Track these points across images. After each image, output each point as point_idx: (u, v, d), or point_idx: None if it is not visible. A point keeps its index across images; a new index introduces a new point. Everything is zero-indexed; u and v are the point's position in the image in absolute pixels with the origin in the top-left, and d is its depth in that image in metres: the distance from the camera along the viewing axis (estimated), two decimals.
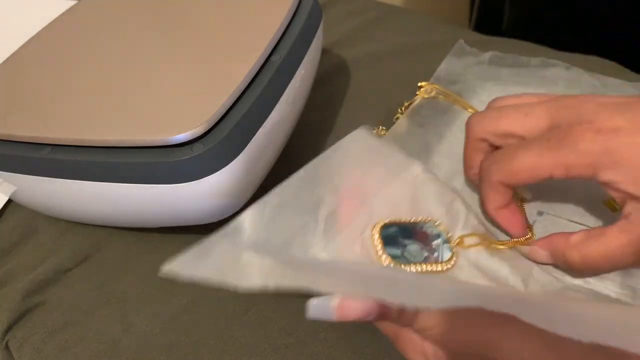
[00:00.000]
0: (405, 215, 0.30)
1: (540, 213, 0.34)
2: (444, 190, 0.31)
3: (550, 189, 0.34)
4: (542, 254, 0.29)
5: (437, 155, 0.38)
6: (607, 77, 0.41)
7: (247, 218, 0.26)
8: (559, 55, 0.45)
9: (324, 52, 0.40)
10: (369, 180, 0.30)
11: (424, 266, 0.28)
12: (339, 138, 0.39)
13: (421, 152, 0.38)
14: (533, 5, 0.56)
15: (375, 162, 0.30)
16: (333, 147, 0.30)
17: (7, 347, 0.33)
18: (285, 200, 0.27)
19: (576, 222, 0.33)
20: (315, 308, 0.22)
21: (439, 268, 0.28)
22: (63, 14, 0.41)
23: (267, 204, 0.27)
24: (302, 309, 0.22)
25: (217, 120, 0.28)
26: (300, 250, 0.27)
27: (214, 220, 0.33)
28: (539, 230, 0.32)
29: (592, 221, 0.33)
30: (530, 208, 0.34)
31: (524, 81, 0.43)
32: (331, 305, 0.21)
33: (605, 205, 0.31)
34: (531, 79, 0.43)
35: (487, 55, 0.45)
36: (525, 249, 0.30)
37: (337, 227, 0.28)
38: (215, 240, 0.24)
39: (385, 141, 0.32)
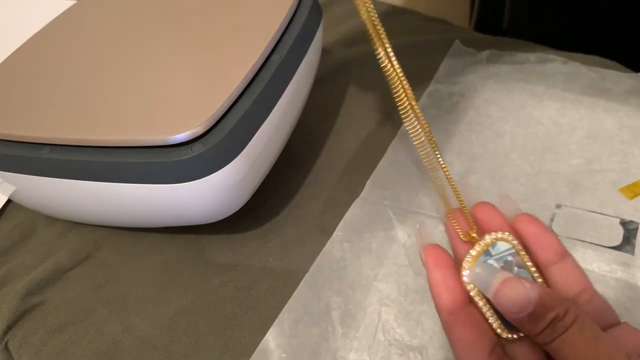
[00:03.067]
0: (410, 281, 0.31)
1: (558, 206, 0.34)
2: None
3: (565, 181, 0.35)
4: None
5: (448, 153, 0.38)
6: (604, 69, 0.42)
7: (271, 339, 0.29)
8: (559, 55, 0.45)
9: (324, 52, 0.40)
10: (364, 271, 0.32)
11: None
12: (339, 138, 0.40)
13: (430, 151, 0.38)
14: (533, 5, 0.56)
15: (361, 250, 0.33)
16: (318, 259, 0.32)
17: (6, 347, 0.33)
18: (298, 314, 0.30)
19: (596, 212, 0.33)
20: (478, 276, 0.23)
21: None
22: (63, 13, 0.41)
23: (285, 321, 0.30)
24: None
25: (216, 120, 0.28)
26: (329, 357, 0.28)
27: (214, 220, 0.33)
28: (560, 223, 0.33)
29: (611, 210, 0.33)
30: (548, 201, 0.34)
31: (523, 77, 0.43)
32: (495, 279, 0.22)
33: (621, 192, 0.31)
34: (530, 74, 0.43)
35: (485, 53, 0.45)
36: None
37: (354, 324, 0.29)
38: None
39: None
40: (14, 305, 0.34)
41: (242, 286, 0.33)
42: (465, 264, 0.25)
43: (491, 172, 0.36)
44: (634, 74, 0.41)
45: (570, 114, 0.39)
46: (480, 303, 0.24)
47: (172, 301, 0.33)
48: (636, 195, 0.33)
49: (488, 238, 0.25)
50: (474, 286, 0.24)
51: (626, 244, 0.31)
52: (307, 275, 0.32)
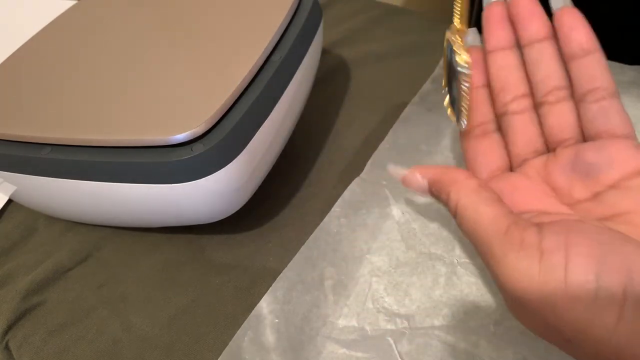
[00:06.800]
0: (401, 254, 0.32)
1: None
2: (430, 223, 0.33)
3: None
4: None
5: (448, 137, 0.39)
6: (607, 60, 0.42)
7: (264, 306, 0.31)
8: None
9: (324, 52, 0.40)
10: (358, 244, 0.33)
11: None
12: (339, 138, 0.40)
13: (431, 136, 0.39)
14: None
15: (357, 225, 0.34)
16: (316, 232, 0.33)
17: (7, 346, 0.33)
18: (292, 282, 0.31)
19: None
20: (389, 170, 0.27)
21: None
22: (63, 13, 0.41)
23: (279, 289, 0.31)
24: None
25: (217, 120, 0.28)
26: (319, 322, 0.30)
27: (214, 220, 0.33)
28: None
29: None
30: None
31: None
32: (400, 173, 0.26)
33: None
34: None
35: None
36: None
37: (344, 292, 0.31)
38: (241, 336, 0.29)
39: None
40: (14, 305, 0.34)
41: (242, 286, 0.33)
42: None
43: None
44: (636, 66, 0.41)
45: None
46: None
47: (172, 301, 0.33)
48: None
49: (454, 36, 0.27)
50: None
51: None
52: (303, 247, 0.33)
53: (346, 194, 0.36)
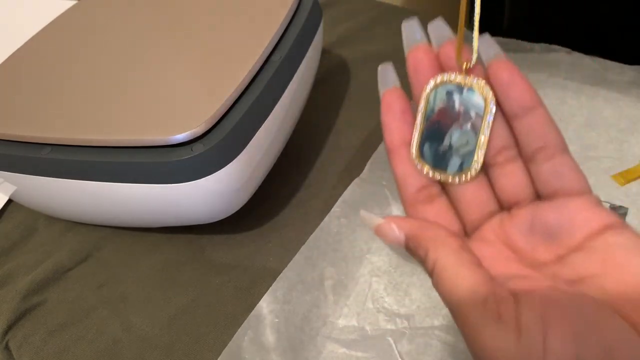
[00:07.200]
0: (401, 254, 0.31)
1: None
2: None
3: None
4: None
5: None
6: (607, 60, 0.42)
7: (264, 306, 0.31)
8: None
9: (324, 52, 0.40)
10: (358, 245, 0.33)
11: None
12: (339, 138, 0.40)
13: None
14: (533, 5, 0.56)
15: (357, 225, 0.34)
16: (316, 232, 0.33)
17: (7, 346, 0.33)
18: (292, 282, 0.31)
19: None
20: (362, 216, 0.24)
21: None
22: (63, 13, 0.41)
23: (279, 289, 0.31)
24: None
25: (217, 120, 0.28)
26: (319, 322, 0.30)
27: (214, 220, 0.33)
28: None
29: (602, 195, 0.33)
30: None
31: (527, 65, 0.43)
32: (373, 222, 0.23)
33: (613, 178, 0.32)
34: (534, 63, 0.44)
35: None
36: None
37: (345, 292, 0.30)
38: (241, 336, 0.29)
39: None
40: (14, 305, 0.34)
41: (242, 286, 0.33)
42: (430, 81, 0.23)
43: None
44: (636, 66, 0.41)
45: (570, 102, 0.40)
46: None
47: (172, 301, 0.33)
48: (628, 182, 0.34)
49: (469, 79, 0.22)
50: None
51: None
52: (303, 247, 0.33)
53: (346, 194, 0.36)
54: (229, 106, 0.29)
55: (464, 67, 0.23)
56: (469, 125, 0.22)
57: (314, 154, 0.41)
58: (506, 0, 0.57)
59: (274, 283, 0.31)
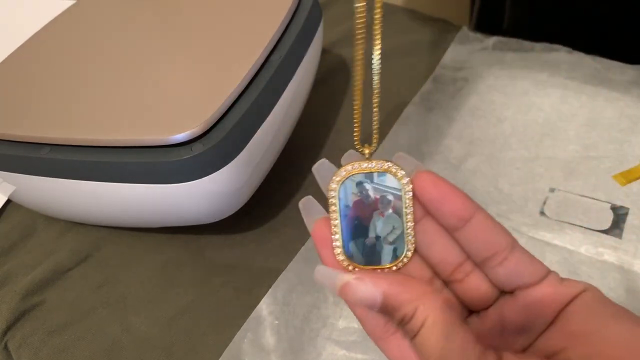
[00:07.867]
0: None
1: (552, 190, 0.35)
2: None
3: (560, 166, 0.36)
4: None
5: (448, 137, 0.39)
6: (608, 60, 0.42)
7: (264, 307, 0.30)
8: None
9: (324, 52, 0.40)
10: None
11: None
12: (339, 137, 0.40)
13: (432, 135, 0.39)
14: (533, 5, 0.56)
15: None
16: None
17: (6, 347, 0.33)
18: (292, 284, 0.31)
19: (588, 197, 0.34)
20: (321, 274, 0.21)
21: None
22: (63, 13, 0.41)
23: (278, 290, 0.31)
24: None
25: (216, 120, 0.28)
26: (319, 324, 0.30)
27: (214, 220, 0.33)
28: (551, 206, 0.34)
29: (603, 195, 0.34)
30: (542, 185, 0.35)
31: (528, 65, 0.43)
32: (338, 280, 0.20)
33: (614, 178, 0.32)
34: (535, 62, 0.44)
35: (491, 40, 0.46)
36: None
37: None
38: (240, 338, 0.29)
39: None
40: (13, 305, 0.34)
41: (242, 287, 0.33)
42: (335, 177, 0.22)
43: (489, 156, 0.37)
44: (637, 66, 0.41)
45: (571, 102, 0.40)
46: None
47: (172, 301, 0.33)
48: (629, 182, 0.34)
49: (376, 164, 0.22)
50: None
51: (615, 228, 0.32)
52: (303, 248, 0.33)
53: None
54: (229, 106, 0.29)
55: (367, 152, 0.23)
56: (390, 210, 0.21)
57: (314, 153, 0.41)
58: (506, 0, 0.57)
59: (274, 284, 0.31)
